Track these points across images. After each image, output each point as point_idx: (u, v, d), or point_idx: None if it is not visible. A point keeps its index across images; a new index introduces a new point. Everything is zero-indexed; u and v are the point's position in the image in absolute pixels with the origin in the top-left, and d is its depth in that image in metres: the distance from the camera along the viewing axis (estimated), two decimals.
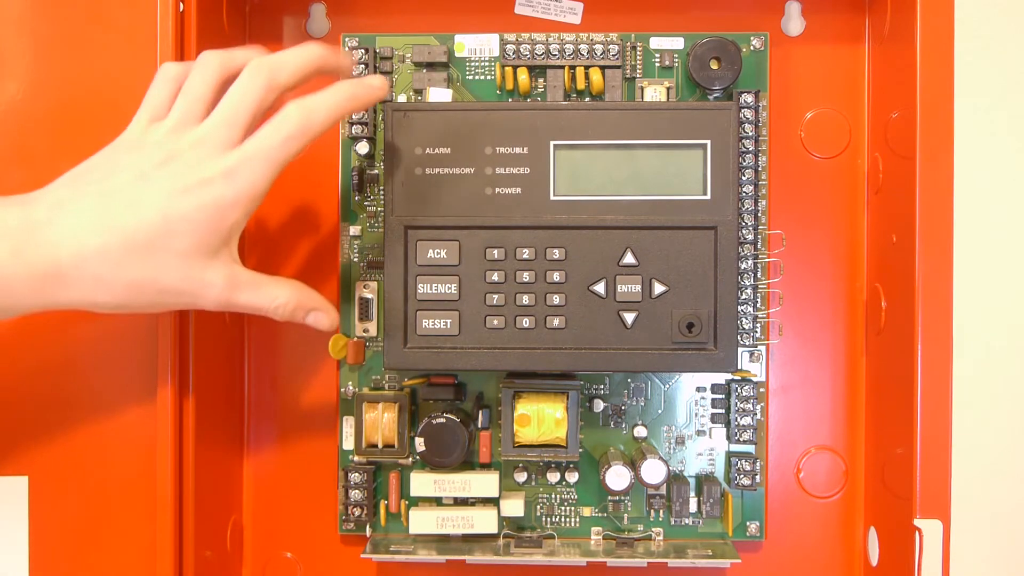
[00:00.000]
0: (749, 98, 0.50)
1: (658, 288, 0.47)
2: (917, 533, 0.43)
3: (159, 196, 0.39)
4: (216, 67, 0.42)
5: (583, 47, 0.51)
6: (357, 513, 0.51)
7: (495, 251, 0.47)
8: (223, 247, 0.41)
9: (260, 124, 0.41)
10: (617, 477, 0.49)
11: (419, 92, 0.52)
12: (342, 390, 0.53)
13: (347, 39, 0.52)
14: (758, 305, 0.51)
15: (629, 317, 0.47)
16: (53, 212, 0.38)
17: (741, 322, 0.51)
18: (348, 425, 0.53)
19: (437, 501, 0.52)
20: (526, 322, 0.47)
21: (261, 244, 0.54)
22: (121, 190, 0.39)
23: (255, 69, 0.41)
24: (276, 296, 0.43)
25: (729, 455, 0.52)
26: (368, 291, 0.52)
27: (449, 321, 0.47)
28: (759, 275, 0.51)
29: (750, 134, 0.50)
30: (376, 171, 0.52)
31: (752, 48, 0.52)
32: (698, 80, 0.50)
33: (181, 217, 0.39)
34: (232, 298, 0.41)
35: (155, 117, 0.42)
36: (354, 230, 0.53)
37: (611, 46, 0.51)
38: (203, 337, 0.48)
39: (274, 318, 0.43)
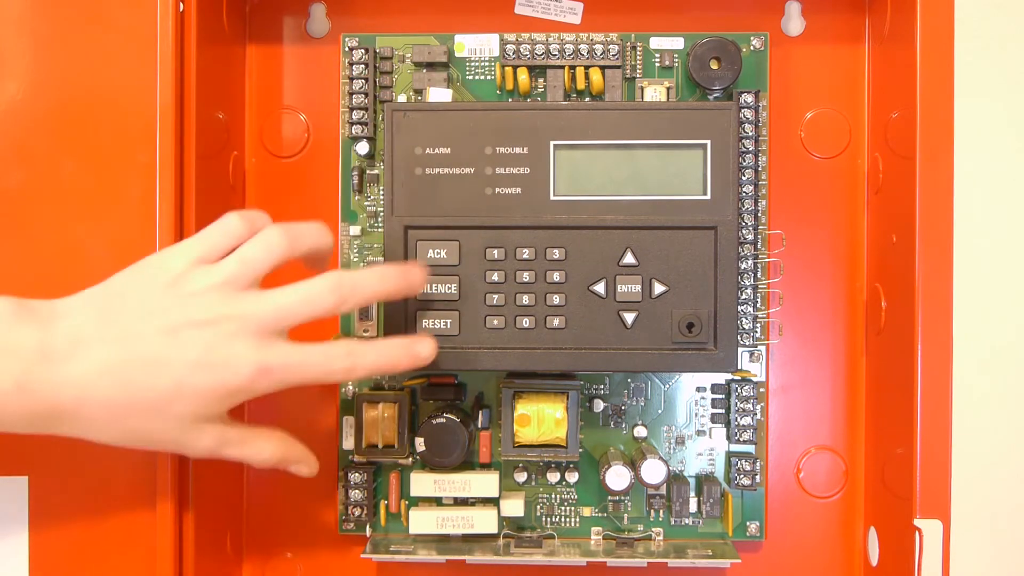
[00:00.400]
0: (749, 98, 0.50)
1: (658, 288, 0.47)
2: (917, 533, 0.43)
3: (181, 364, 0.38)
4: (283, 249, 0.41)
5: (583, 47, 0.51)
6: (357, 513, 0.51)
7: (495, 251, 0.47)
8: (217, 420, 0.40)
9: None
10: (617, 477, 0.49)
11: (419, 92, 0.52)
12: (342, 390, 0.53)
13: (347, 39, 0.52)
14: (758, 305, 0.51)
15: (629, 317, 0.47)
16: (70, 348, 0.37)
17: (741, 322, 0.51)
18: (348, 425, 0.53)
19: (437, 501, 0.52)
20: (526, 322, 0.47)
21: None
22: (145, 345, 0.37)
23: (335, 286, 0.40)
24: (261, 450, 0.43)
25: (729, 455, 0.52)
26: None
27: (449, 321, 0.47)
28: (759, 275, 0.51)
29: (750, 134, 0.50)
30: (376, 171, 0.52)
31: (752, 48, 0.52)
32: (698, 80, 0.50)
33: (195, 390, 0.38)
34: (218, 453, 0.41)
35: (204, 259, 0.40)
36: (354, 230, 0.53)
37: (611, 46, 0.51)
38: None
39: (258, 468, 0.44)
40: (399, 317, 0.47)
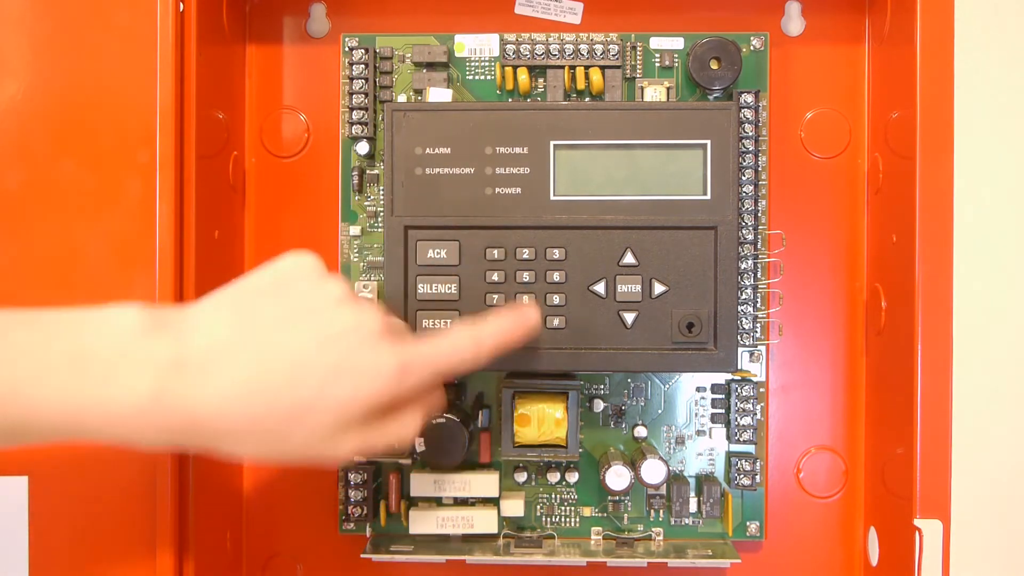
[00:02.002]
0: (749, 98, 0.50)
1: (658, 288, 0.47)
2: (917, 533, 0.43)
3: (321, 372, 0.36)
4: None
5: (583, 47, 0.51)
6: (357, 513, 0.51)
7: (495, 251, 0.47)
8: (356, 425, 0.38)
9: None
10: (617, 477, 0.49)
11: (419, 92, 0.52)
12: None
13: (347, 39, 0.52)
14: (758, 305, 0.51)
15: (629, 317, 0.47)
16: (206, 360, 0.35)
17: (741, 322, 0.51)
18: None
19: (437, 501, 0.52)
20: None
21: (261, 244, 0.54)
22: (284, 354, 0.36)
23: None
24: (407, 428, 0.40)
25: (729, 455, 0.52)
26: (368, 291, 0.52)
27: (449, 321, 0.47)
28: (759, 275, 0.51)
29: (750, 134, 0.50)
30: (376, 171, 0.52)
31: (752, 48, 0.52)
32: (698, 80, 0.50)
33: (336, 400, 0.36)
34: (364, 454, 0.39)
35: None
36: (354, 230, 0.53)
37: (611, 46, 0.51)
38: None
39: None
40: (399, 317, 0.47)
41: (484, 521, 0.51)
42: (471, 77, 0.52)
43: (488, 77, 0.52)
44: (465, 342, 0.40)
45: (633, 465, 0.49)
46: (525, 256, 0.47)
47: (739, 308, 0.50)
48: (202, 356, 0.35)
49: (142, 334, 0.35)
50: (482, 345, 0.41)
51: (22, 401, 0.33)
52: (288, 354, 0.36)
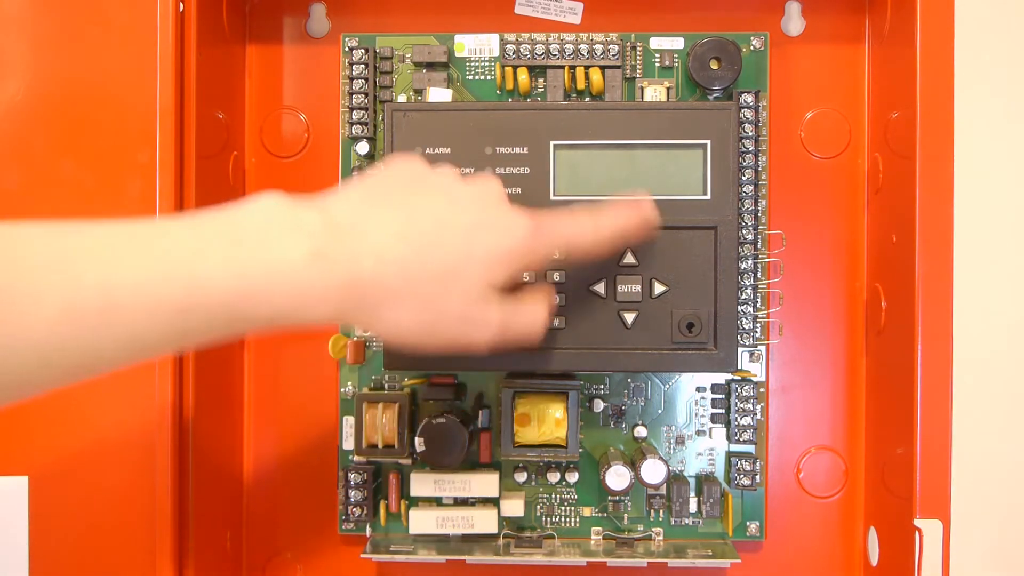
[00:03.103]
0: (749, 98, 0.50)
1: (658, 288, 0.47)
2: (917, 533, 0.43)
3: (465, 224, 0.38)
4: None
5: (583, 47, 0.51)
6: (357, 513, 0.51)
7: None
8: (499, 294, 0.39)
9: None
10: (617, 477, 0.49)
11: (419, 92, 0.52)
12: (342, 390, 0.53)
13: (347, 39, 0.52)
14: (758, 305, 0.51)
15: (629, 317, 0.47)
16: (356, 223, 0.36)
17: (741, 322, 0.51)
18: (348, 425, 0.53)
19: (437, 501, 0.52)
20: None
21: None
22: (427, 211, 0.37)
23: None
24: (538, 312, 0.42)
25: (729, 455, 0.52)
26: None
27: None
28: (759, 275, 0.51)
29: (750, 134, 0.50)
30: None
31: (752, 48, 0.52)
32: (698, 80, 0.50)
33: (484, 250, 0.38)
34: (505, 327, 0.40)
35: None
36: None
37: (611, 46, 0.51)
38: None
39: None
40: None
41: (484, 521, 0.51)
42: (471, 77, 0.52)
43: (488, 77, 0.52)
44: (586, 222, 0.42)
45: (633, 465, 0.49)
46: None
47: (739, 308, 0.50)
48: (350, 220, 0.36)
49: (288, 208, 0.35)
50: (600, 228, 0.42)
51: (187, 277, 0.32)
52: (430, 213, 0.37)
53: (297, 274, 0.34)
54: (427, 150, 0.48)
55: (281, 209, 0.35)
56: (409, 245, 0.36)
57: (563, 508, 0.53)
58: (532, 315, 0.41)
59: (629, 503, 0.52)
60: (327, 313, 0.35)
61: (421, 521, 0.51)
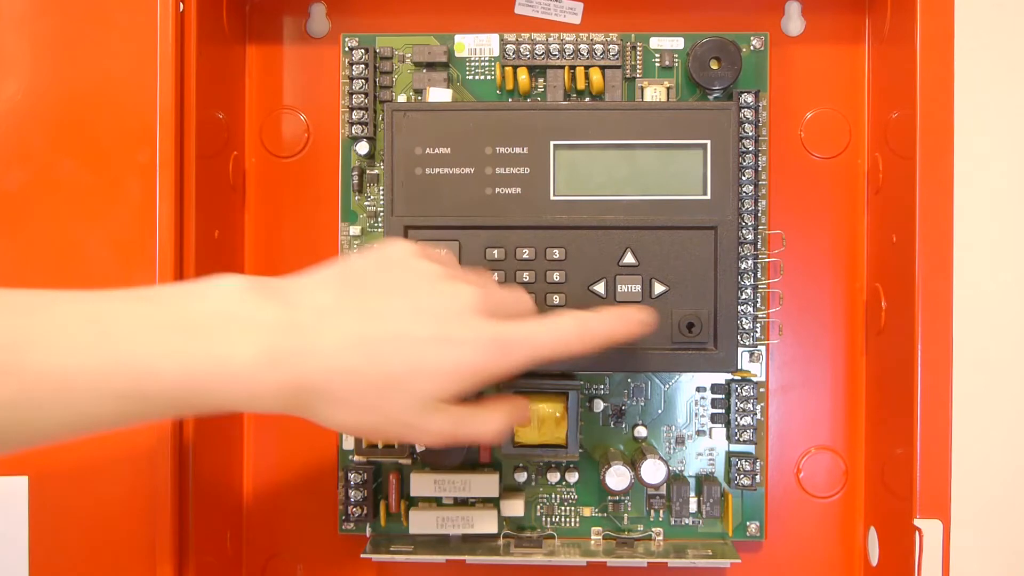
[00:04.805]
0: (749, 98, 0.50)
1: (658, 288, 0.47)
2: (917, 533, 0.43)
3: (422, 339, 0.37)
4: (530, 307, 0.42)
5: (583, 47, 0.51)
6: (357, 513, 0.51)
7: (495, 251, 0.47)
8: (449, 404, 0.39)
9: None
10: (617, 477, 0.49)
11: (419, 92, 0.52)
12: None
13: (347, 39, 0.52)
14: (758, 305, 0.51)
15: None
16: (315, 321, 0.36)
17: (741, 322, 0.51)
18: None
19: (437, 501, 0.52)
20: None
21: (261, 244, 0.54)
22: (387, 319, 0.37)
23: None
24: (493, 421, 0.41)
25: (729, 455, 0.52)
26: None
27: None
28: (759, 275, 0.51)
29: (750, 134, 0.50)
30: (376, 171, 0.52)
31: (752, 48, 0.52)
32: (698, 80, 0.50)
33: (436, 366, 0.37)
34: (453, 434, 0.39)
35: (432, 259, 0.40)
36: (354, 230, 0.53)
37: (611, 46, 0.51)
38: None
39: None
40: None
41: (484, 521, 0.51)
42: (471, 77, 0.52)
43: (488, 77, 0.52)
44: (571, 329, 0.40)
45: (633, 465, 0.49)
46: (525, 256, 0.47)
47: (739, 308, 0.50)
48: (308, 318, 0.36)
49: (249, 298, 0.36)
50: (587, 335, 0.40)
51: (136, 366, 0.33)
52: (390, 320, 0.37)
53: (246, 371, 0.35)
54: (427, 150, 0.48)
55: (239, 300, 0.36)
56: (359, 355, 0.36)
57: (563, 508, 0.53)
58: (484, 425, 0.40)
59: (629, 503, 0.52)
60: (272, 407, 0.36)
61: (421, 521, 0.51)
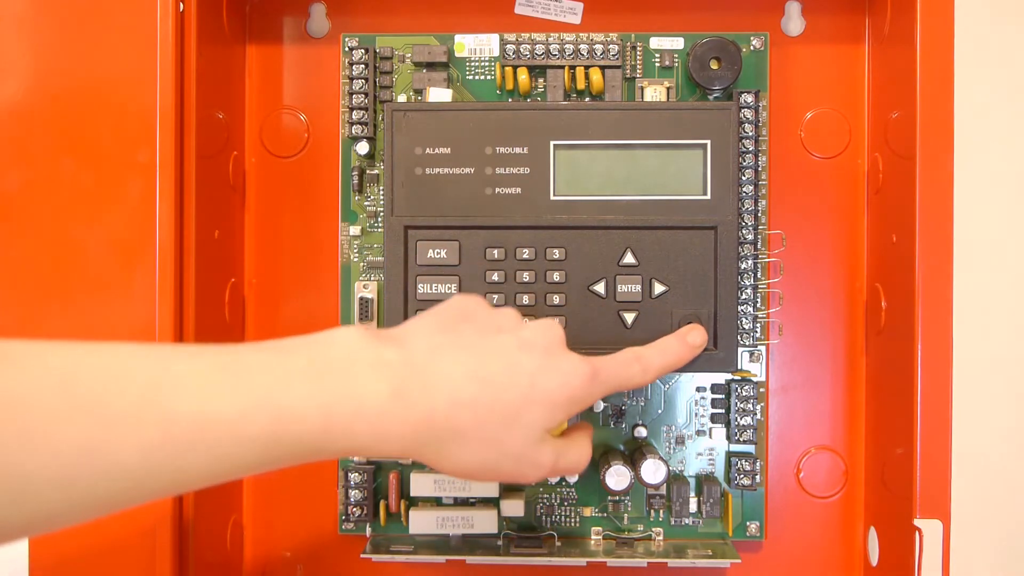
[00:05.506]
0: (749, 98, 0.50)
1: (658, 288, 0.47)
2: (917, 533, 0.43)
3: (530, 366, 0.38)
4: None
5: (583, 47, 0.51)
6: (357, 513, 0.51)
7: (495, 251, 0.47)
8: (556, 426, 0.40)
9: None
10: (617, 477, 0.49)
11: (419, 92, 0.52)
12: None
13: (347, 39, 0.52)
14: (758, 305, 0.51)
15: (629, 317, 0.47)
16: (431, 357, 0.37)
17: (741, 322, 0.51)
18: None
19: (437, 501, 0.52)
20: None
21: (261, 244, 0.54)
22: (495, 351, 0.38)
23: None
24: (584, 452, 0.42)
25: (729, 455, 0.52)
26: (368, 291, 0.52)
27: None
28: (759, 275, 0.51)
29: (750, 134, 0.50)
30: (376, 171, 0.52)
31: (752, 48, 0.52)
32: (698, 80, 0.50)
33: (545, 393, 0.38)
34: (554, 469, 0.40)
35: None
36: (354, 230, 0.53)
37: (611, 46, 0.51)
38: (202, 337, 0.48)
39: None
40: (399, 317, 0.47)
41: (484, 521, 0.51)
42: (471, 77, 0.52)
43: (488, 77, 0.52)
44: (633, 364, 0.42)
45: (633, 465, 0.49)
46: (525, 256, 0.47)
47: (739, 308, 0.50)
48: (427, 356, 0.37)
49: (370, 343, 0.36)
50: (649, 369, 0.42)
51: (274, 409, 0.33)
52: (501, 354, 0.38)
53: (379, 409, 0.35)
54: (427, 150, 0.48)
55: (362, 344, 0.36)
56: (480, 386, 0.37)
57: (563, 508, 0.53)
58: (579, 455, 0.41)
59: (629, 503, 0.52)
60: (400, 448, 0.36)
61: (421, 521, 0.51)
